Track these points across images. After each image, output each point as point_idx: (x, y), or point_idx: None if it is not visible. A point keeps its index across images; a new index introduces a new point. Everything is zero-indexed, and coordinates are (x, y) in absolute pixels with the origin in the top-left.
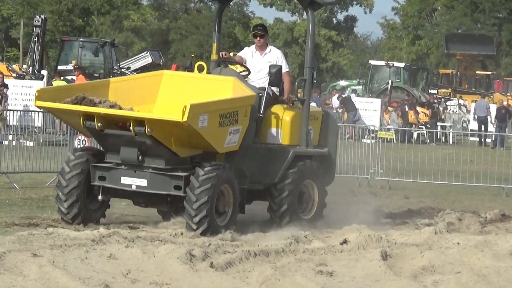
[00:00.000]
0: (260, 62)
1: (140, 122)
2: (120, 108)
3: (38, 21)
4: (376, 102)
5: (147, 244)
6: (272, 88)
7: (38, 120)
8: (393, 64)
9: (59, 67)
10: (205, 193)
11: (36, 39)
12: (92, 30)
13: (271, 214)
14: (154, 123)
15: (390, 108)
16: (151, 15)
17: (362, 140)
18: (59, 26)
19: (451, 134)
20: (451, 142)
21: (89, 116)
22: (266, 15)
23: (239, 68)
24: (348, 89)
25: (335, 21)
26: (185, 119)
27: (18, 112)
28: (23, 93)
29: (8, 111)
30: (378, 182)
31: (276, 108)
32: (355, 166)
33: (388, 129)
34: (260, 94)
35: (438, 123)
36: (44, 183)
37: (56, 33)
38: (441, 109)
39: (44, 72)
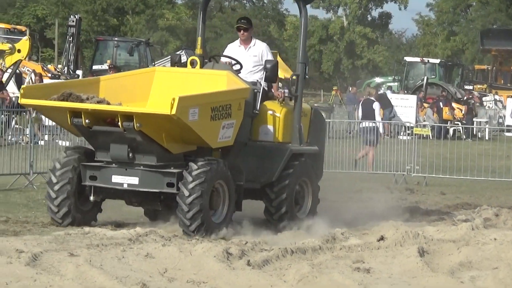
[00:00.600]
0: (245, 56)
1: (128, 117)
2: (108, 104)
3: (73, 21)
4: (412, 99)
5: (184, 243)
6: (262, 83)
7: None
8: (428, 61)
9: (94, 67)
10: (198, 188)
11: (71, 39)
12: (127, 29)
13: (267, 217)
14: (142, 118)
15: (425, 105)
16: (185, 14)
17: (398, 136)
18: (94, 26)
19: (487, 129)
20: (487, 138)
21: (76, 113)
22: None
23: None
24: (384, 86)
25: (369, 18)
26: (173, 112)
27: None
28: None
29: None
30: (414, 178)
31: (269, 105)
32: (391, 163)
33: (424, 126)
34: (256, 90)
35: (474, 119)
36: None
37: (91, 33)
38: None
39: (79, 72)
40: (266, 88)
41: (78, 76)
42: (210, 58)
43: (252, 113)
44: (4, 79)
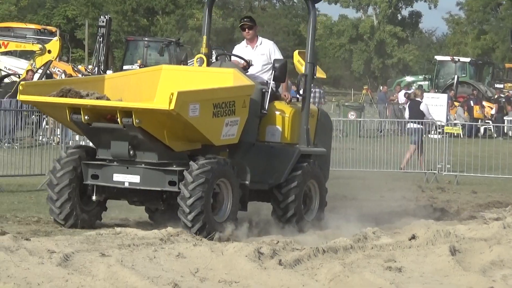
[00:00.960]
0: (253, 56)
1: (127, 113)
2: (108, 100)
3: (103, 22)
4: (442, 98)
5: (215, 243)
6: (269, 82)
7: None
8: (458, 59)
9: (125, 67)
10: (199, 188)
11: (101, 39)
12: (157, 29)
13: (275, 219)
14: (142, 114)
15: (456, 103)
16: (215, 13)
17: (429, 135)
18: (124, 26)
19: None
20: None
21: (75, 109)
22: (331, 12)
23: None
24: (414, 84)
25: (399, 17)
26: (172, 107)
27: None
28: None
29: None
30: (445, 177)
31: (276, 105)
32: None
33: (455, 124)
34: (264, 90)
35: (505, 117)
36: None
37: (121, 33)
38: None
39: (109, 72)
40: (274, 88)
41: None
42: (217, 56)
43: (260, 113)
44: (35, 79)
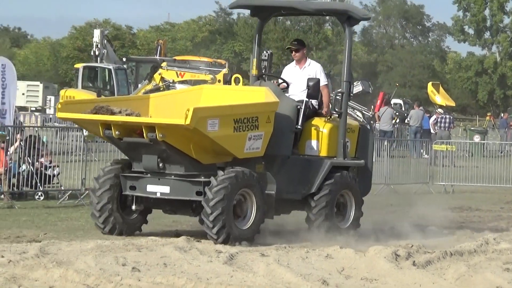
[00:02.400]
0: (300, 75)
1: (151, 128)
2: (138, 116)
3: (265, 56)
4: None
5: (359, 245)
6: (312, 101)
7: None
8: None
9: None
10: (219, 205)
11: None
12: None
13: (309, 224)
14: (164, 128)
15: None
16: (361, 50)
17: None
18: (283, 60)
19: None
20: None
21: (107, 125)
22: (460, 49)
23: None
24: None
25: None
26: (188, 122)
27: None
28: None
29: None
30: None
31: (315, 121)
32: None
33: None
34: (298, 107)
35: None
36: None
37: (280, 66)
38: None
39: None
40: (316, 106)
41: None
42: (259, 77)
43: (295, 128)
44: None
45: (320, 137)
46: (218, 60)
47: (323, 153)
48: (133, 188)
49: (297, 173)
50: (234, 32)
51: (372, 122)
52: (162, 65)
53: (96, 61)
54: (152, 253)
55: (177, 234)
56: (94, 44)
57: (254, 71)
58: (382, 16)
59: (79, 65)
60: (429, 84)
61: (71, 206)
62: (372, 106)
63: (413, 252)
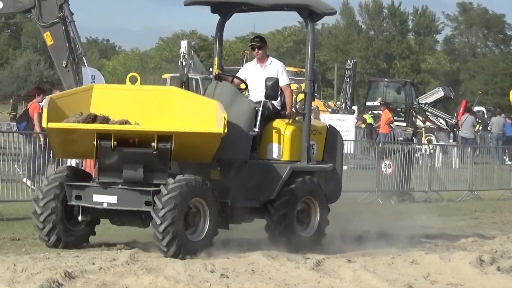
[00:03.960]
0: (261, 75)
1: (166, 137)
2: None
3: (350, 65)
4: None
5: (444, 251)
6: (273, 102)
7: (349, 147)
8: None
9: (368, 103)
10: (169, 214)
11: (347, 80)
12: (394, 72)
13: (269, 233)
14: (182, 137)
15: None
16: (444, 58)
17: None
18: (367, 69)
19: None
20: None
21: (103, 135)
22: None
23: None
24: None
25: None
26: (226, 130)
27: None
28: (337, 125)
29: None
30: None
31: (276, 123)
32: None
33: None
34: (256, 108)
35: None
36: (356, 200)
37: (364, 74)
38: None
39: (354, 108)
40: (278, 107)
41: (354, 111)
42: (215, 77)
43: (252, 131)
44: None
45: (282, 140)
46: (303, 70)
47: (285, 157)
48: (78, 198)
49: (255, 179)
50: (319, 41)
51: (455, 129)
52: None
53: (183, 72)
54: (240, 259)
55: (265, 240)
56: (181, 54)
57: (215, 70)
58: (464, 25)
59: (167, 76)
60: (511, 91)
61: None
62: (455, 114)
63: (498, 258)
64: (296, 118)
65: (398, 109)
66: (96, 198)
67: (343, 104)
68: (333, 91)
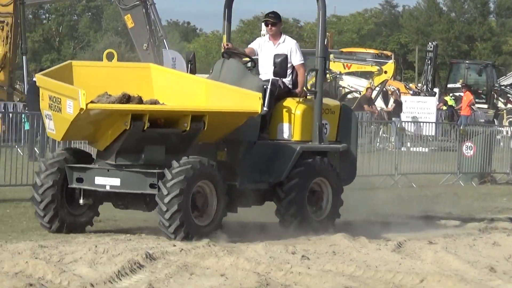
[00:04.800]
0: (273, 52)
1: (199, 117)
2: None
3: (431, 47)
4: None
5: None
6: (284, 80)
7: (431, 129)
8: None
9: (449, 85)
10: (175, 201)
11: (429, 62)
12: (476, 54)
13: (279, 217)
14: (216, 117)
15: None
16: None
17: None
18: (448, 51)
19: None
20: None
21: (137, 116)
22: None
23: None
24: None
25: None
26: (261, 110)
27: (414, 123)
28: (418, 107)
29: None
30: None
31: (287, 102)
32: None
33: None
34: (265, 87)
35: None
36: (437, 183)
37: (445, 56)
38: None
39: (436, 90)
40: (290, 86)
41: (435, 93)
42: (222, 54)
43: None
44: (373, 96)
45: (293, 119)
46: (384, 52)
47: (296, 137)
48: (80, 180)
49: (264, 160)
50: (400, 24)
51: None
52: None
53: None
54: (321, 241)
55: (346, 223)
56: (262, 36)
57: (223, 48)
58: None
59: (247, 58)
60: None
61: None
62: None
63: None
64: (308, 97)
65: (480, 91)
66: (99, 180)
67: (424, 86)
68: (414, 73)
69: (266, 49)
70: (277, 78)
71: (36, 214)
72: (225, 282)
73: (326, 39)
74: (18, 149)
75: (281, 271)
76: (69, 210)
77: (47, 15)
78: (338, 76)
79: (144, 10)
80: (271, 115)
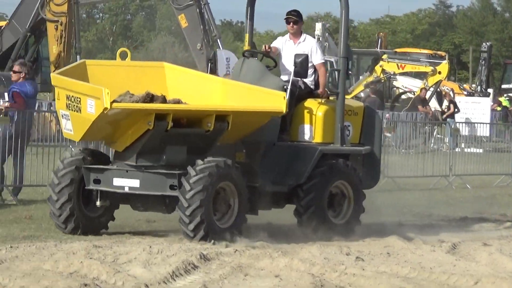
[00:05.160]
0: (293, 51)
1: (223, 116)
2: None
3: (485, 48)
4: None
5: None
6: (306, 80)
7: (485, 130)
8: None
9: (503, 86)
10: (197, 197)
11: (483, 62)
12: None
13: (297, 217)
14: (241, 116)
15: None
16: None
17: None
18: (502, 51)
19: None
20: None
21: (161, 115)
22: None
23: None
24: None
25: None
26: (286, 110)
27: (468, 124)
28: (472, 108)
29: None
30: None
31: (308, 103)
32: None
33: None
34: (285, 87)
35: None
36: (491, 184)
37: (499, 57)
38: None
39: (490, 90)
40: (312, 86)
41: (489, 93)
42: (243, 53)
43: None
44: (427, 96)
45: (314, 121)
46: (438, 52)
47: (317, 139)
48: (97, 181)
49: (284, 162)
50: (454, 24)
51: None
52: (383, 57)
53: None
54: (375, 242)
55: (400, 224)
56: (316, 37)
57: (246, 47)
58: None
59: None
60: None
61: None
62: None
63: None
64: (330, 98)
65: None
66: (117, 182)
67: (478, 87)
68: (468, 74)
69: (286, 48)
70: (298, 78)
71: (51, 213)
72: (280, 283)
73: (348, 40)
74: (73, 149)
75: (336, 272)
76: (85, 212)
77: (100, 14)
78: (392, 76)
79: (198, 9)
80: (291, 116)
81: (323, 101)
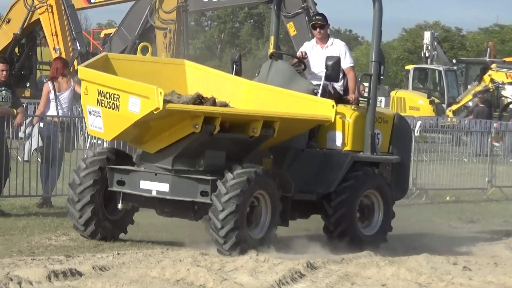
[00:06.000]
0: (321, 56)
1: (269, 122)
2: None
3: None
4: None
5: None
6: (335, 85)
7: None
8: None
9: None
10: (233, 201)
11: None
12: None
13: (327, 234)
14: (287, 123)
15: None
16: None
17: None
18: None
19: None
20: None
21: (209, 119)
22: None
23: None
24: None
25: None
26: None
27: None
28: None
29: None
30: None
31: (339, 108)
32: None
33: None
34: (316, 91)
35: None
36: None
37: None
38: None
39: None
40: (341, 92)
41: None
42: (270, 55)
43: None
44: None
45: (344, 127)
46: None
47: (348, 146)
48: (121, 183)
49: (313, 169)
50: None
51: None
52: (491, 66)
53: (426, 63)
54: (482, 252)
55: (508, 234)
56: (425, 46)
57: (271, 50)
58: None
59: (410, 67)
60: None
61: None
62: None
63: None
64: (360, 104)
65: None
66: (144, 184)
67: None
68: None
69: (314, 53)
70: (327, 83)
71: (70, 214)
72: None
73: (380, 45)
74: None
75: (443, 282)
76: (106, 214)
77: (209, 22)
78: (500, 86)
79: (306, 18)
80: None
81: (353, 107)
